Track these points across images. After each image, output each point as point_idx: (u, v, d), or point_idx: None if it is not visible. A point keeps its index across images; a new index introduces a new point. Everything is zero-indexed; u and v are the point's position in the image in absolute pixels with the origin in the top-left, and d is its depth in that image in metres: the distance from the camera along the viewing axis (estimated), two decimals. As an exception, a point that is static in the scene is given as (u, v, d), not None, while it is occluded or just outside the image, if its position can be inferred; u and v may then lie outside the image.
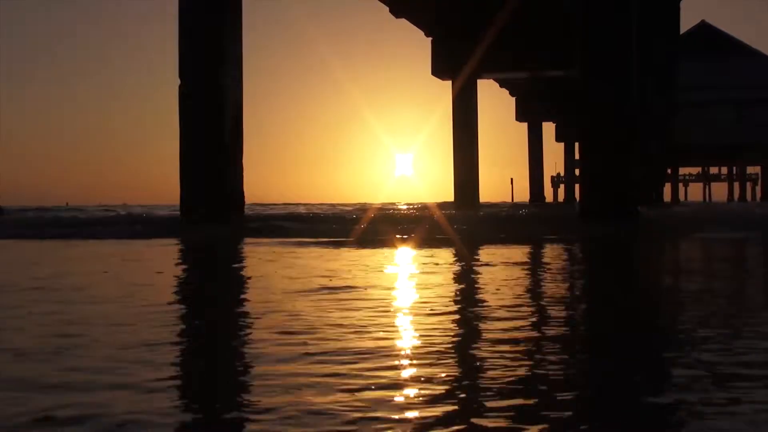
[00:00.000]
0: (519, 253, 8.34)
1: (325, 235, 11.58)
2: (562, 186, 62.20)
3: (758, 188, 68.33)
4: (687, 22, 71.08)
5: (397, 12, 25.04)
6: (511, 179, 71.99)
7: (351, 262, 6.83)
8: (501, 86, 38.28)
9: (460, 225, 12.68)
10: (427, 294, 4.42)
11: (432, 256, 7.52)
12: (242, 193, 14.34)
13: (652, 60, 28.78)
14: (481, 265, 6.61)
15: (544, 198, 45.01)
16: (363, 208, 21.05)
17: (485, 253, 8.00)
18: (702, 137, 53.47)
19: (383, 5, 24.62)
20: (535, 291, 4.72)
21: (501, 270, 6.07)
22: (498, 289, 4.69)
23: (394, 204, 29.87)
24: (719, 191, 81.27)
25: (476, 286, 5.10)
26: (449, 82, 26.78)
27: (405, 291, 4.65)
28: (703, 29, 55.00)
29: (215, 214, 13.60)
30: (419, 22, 26.03)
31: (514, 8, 23.62)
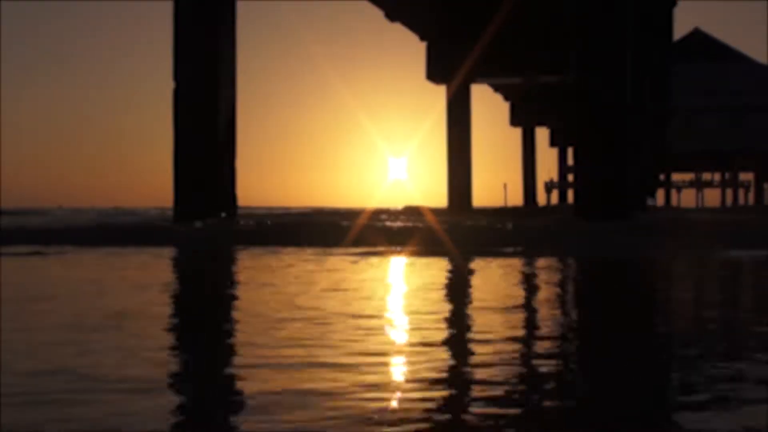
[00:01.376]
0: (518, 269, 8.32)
1: (318, 243, 11.45)
2: (554, 191, 62.23)
3: (750, 195, 68.48)
4: (680, 29, 71.33)
5: (392, 16, 25.00)
6: (504, 184, 71.91)
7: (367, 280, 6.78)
8: (495, 91, 38.26)
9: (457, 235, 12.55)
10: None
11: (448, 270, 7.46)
12: (235, 194, 14.29)
13: (647, 65, 28.80)
14: (479, 275, 6.56)
15: (537, 203, 45.02)
16: (357, 213, 21.01)
17: (481, 266, 7.96)
18: (695, 143, 53.58)
19: (377, 9, 24.58)
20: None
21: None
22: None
23: (387, 209, 29.81)
24: (712, 197, 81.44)
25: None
26: (443, 87, 26.74)
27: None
28: (697, 36, 55.12)
29: (208, 215, 13.55)
30: (414, 26, 26.00)
31: (509, 12, 23.60)
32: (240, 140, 14.33)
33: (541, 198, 55.71)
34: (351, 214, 19.18)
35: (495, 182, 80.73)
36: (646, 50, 26.06)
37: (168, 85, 14.04)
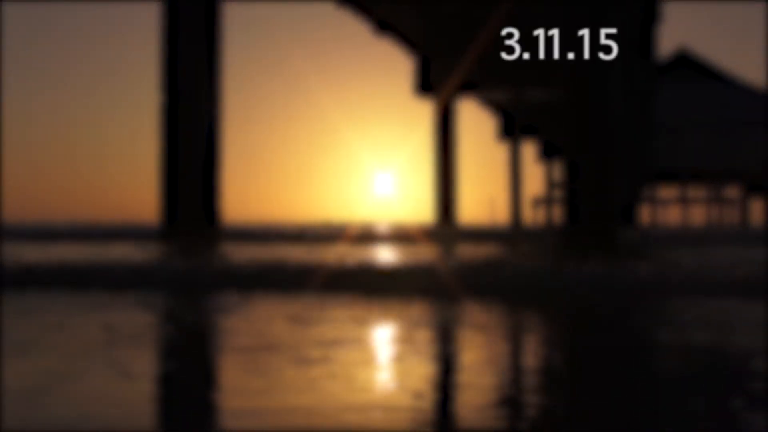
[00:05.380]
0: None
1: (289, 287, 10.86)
2: (542, 207, 62.52)
3: (736, 212, 68.93)
4: (666, 47, 72.10)
5: (380, 30, 25.06)
6: (491, 201, 72.06)
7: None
8: (483, 105, 38.40)
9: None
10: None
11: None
12: (218, 211, 14.24)
13: (632, 83, 28.94)
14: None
15: (522, 220, 45.09)
16: (344, 228, 20.80)
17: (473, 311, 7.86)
18: (680, 161, 53.94)
19: (365, 24, 24.63)
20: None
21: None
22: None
23: (373, 225, 29.74)
24: (697, 214, 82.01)
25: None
26: (431, 101, 26.82)
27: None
28: (682, 55, 55.58)
29: (193, 231, 13.52)
30: (402, 40, 26.07)
31: (497, 29, 23.69)
32: (225, 154, 14.31)
33: (528, 214, 55.91)
34: (331, 236, 18.82)
35: (482, 197, 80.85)
36: (632, 68, 26.19)
37: (154, 96, 14.01)
